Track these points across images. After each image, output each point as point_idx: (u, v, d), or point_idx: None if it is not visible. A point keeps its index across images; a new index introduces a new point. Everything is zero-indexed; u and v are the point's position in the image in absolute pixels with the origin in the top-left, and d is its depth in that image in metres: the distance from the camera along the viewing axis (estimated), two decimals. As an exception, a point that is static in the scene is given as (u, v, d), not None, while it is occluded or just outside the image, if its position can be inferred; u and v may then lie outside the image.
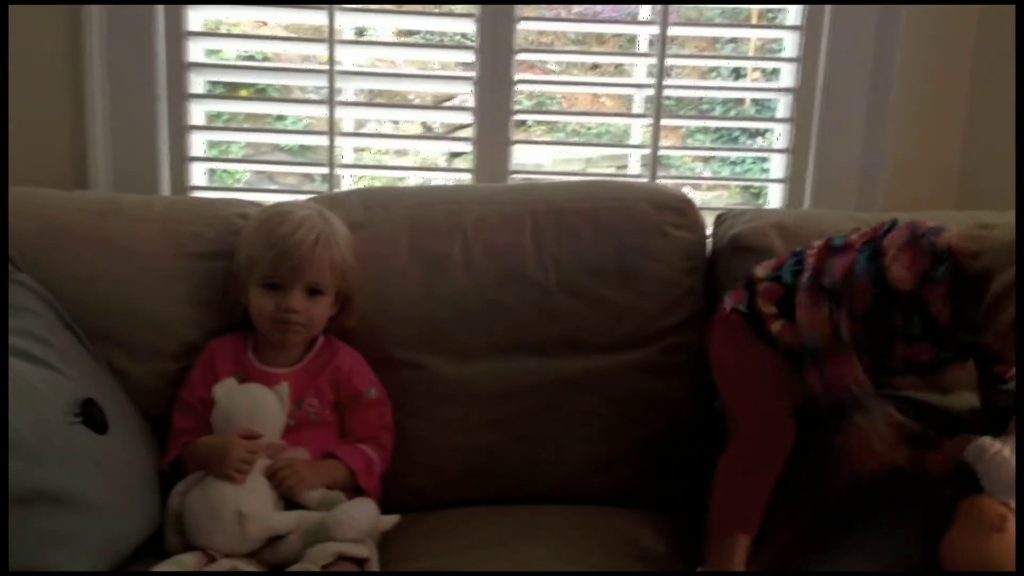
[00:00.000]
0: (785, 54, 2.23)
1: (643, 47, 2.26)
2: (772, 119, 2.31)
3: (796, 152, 2.23)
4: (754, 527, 1.47)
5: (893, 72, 2.14)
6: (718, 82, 2.32)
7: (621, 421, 1.79)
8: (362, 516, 1.50)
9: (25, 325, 1.55)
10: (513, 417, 1.78)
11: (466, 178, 2.20)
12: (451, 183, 2.29)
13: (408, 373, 1.77)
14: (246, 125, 2.30)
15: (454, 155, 2.33)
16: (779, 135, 2.29)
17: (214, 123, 2.23)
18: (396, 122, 2.50)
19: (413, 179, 2.31)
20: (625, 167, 2.34)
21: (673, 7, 2.12)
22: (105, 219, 1.77)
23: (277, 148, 2.28)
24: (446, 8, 2.14)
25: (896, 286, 1.36)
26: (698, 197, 2.24)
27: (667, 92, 2.16)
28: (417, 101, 2.25)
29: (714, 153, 2.34)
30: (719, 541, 1.48)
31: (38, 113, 2.05)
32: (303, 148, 2.29)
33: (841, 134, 2.20)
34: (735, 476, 1.50)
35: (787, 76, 2.23)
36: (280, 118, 2.43)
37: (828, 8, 2.14)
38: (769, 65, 2.30)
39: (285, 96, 2.33)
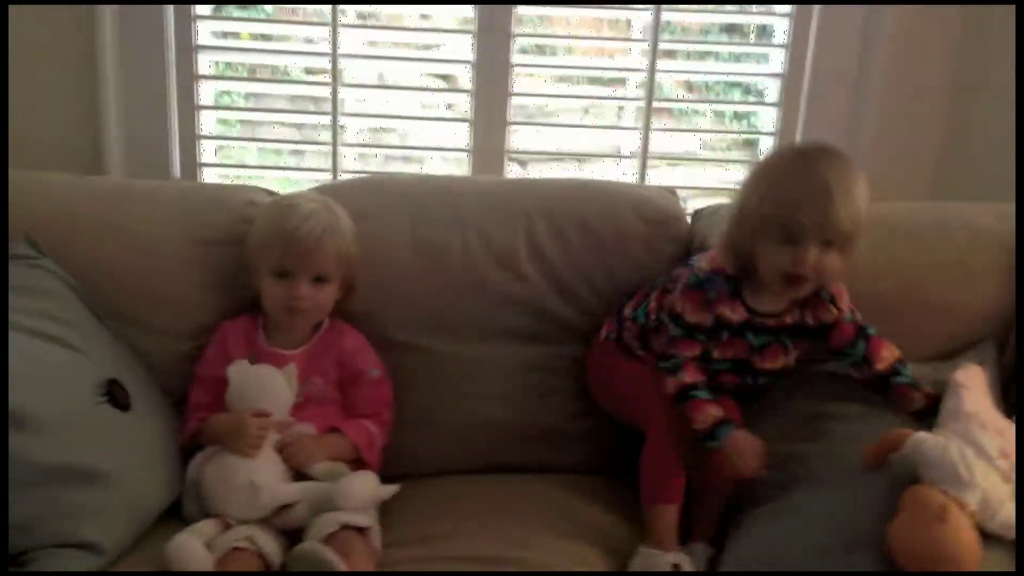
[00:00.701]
0: (775, 40, 2.30)
1: (636, 34, 2.32)
2: (761, 103, 2.39)
3: (784, 136, 2.31)
4: (679, 497, 1.65)
5: (878, 61, 2.21)
6: (709, 65, 2.38)
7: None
8: (364, 488, 1.62)
9: (49, 308, 1.66)
10: (503, 395, 1.89)
11: (463, 157, 2.29)
12: (450, 163, 2.37)
13: (408, 354, 1.88)
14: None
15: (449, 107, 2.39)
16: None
17: (221, 103, 2.31)
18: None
19: (414, 161, 2.38)
20: (621, 113, 2.42)
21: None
22: (120, 205, 1.86)
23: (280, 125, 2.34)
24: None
25: (697, 327, 1.68)
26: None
27: (659, 77, 2.24)
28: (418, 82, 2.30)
29: (705, 134, 2.40)
30: (653, 514, 1.65)
31: (53, 93, 2.13)
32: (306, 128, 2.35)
33: (826, 120, 2.28)
34: (658, 458, 1.68)
35: (776, 62, 2.31)
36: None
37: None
38: (759, 51, 2.36)
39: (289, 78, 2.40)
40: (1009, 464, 1.43)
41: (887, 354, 1.69)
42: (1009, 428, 1.50)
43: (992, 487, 1.38)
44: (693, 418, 1.66)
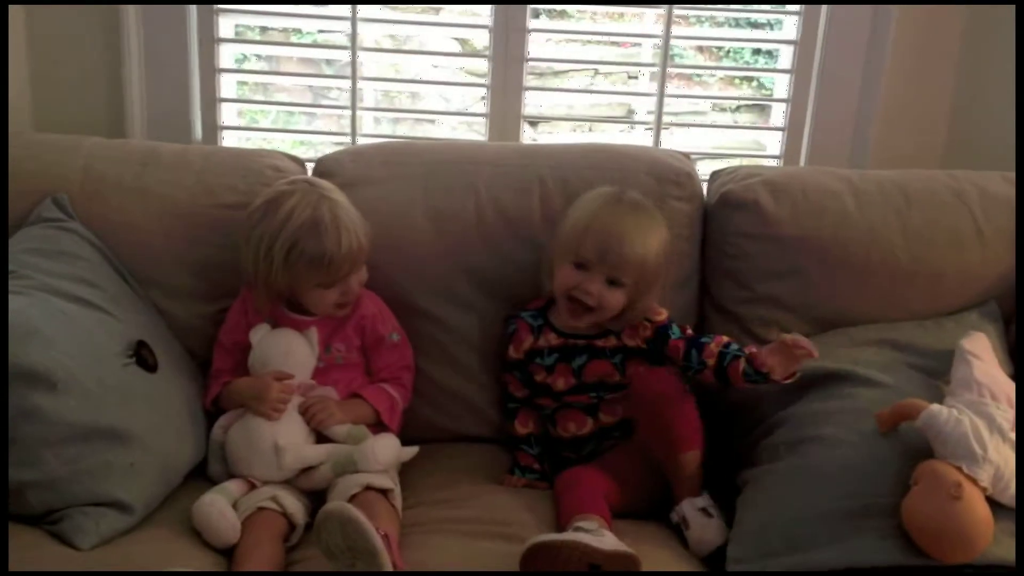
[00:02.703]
0: (789, 7, 2.30)
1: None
2: (774, 69, 2.39)
3: (796, 102, 2.31)
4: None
5: (890, 28, 2.21)
6: (724, 31, 2.38)
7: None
8: (386, 451, 1.66)
9: (78, 271, 1.70)
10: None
11: (481, 122, 2.30)
12: (470, 126, 2.38)
13: (421, 320, 1.90)
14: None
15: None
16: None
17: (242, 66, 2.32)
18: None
19: (433, 123, 2.39)
20: (636, 77, 2.42)
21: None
22: (146, 169, 1.88)
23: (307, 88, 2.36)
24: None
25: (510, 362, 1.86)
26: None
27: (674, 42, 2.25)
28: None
29: (718, 99, 2.41)
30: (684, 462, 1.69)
31: (74, 56, 2.15)
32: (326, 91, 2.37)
33: (838, 86, 2.28)
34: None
35: (789, 28, 2.31)
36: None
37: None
38: (773, 17, 2.36)
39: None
40: None
41: (714, 348, 1.71)
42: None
43: (1005, 461, 1.41)
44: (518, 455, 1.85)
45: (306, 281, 1.71)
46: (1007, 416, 1.47)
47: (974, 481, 1.39)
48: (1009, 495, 1.41)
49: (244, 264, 1.74)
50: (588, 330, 1.78)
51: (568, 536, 1.46)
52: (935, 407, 1.47)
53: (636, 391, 1.73)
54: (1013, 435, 1.45)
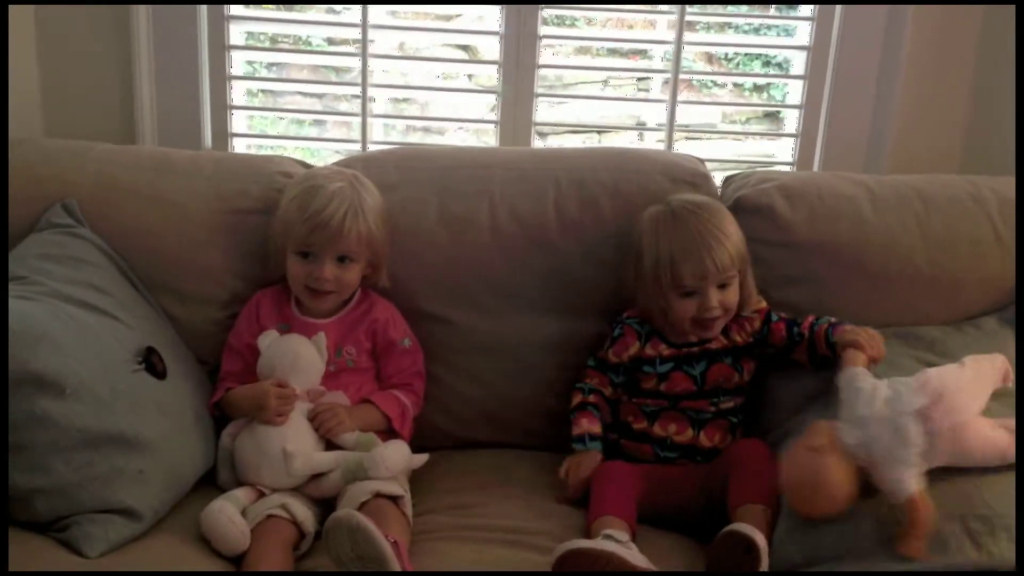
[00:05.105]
0: (801, 12, 2.29)
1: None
2: (787, 75, 2.38)
3: (809, 109, 2.30)
4: None
5: (905, 32, 2.19)
6: (739, 37, 2.37)
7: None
8: (396, 457, 1.64)
9: (87, 277, 1.69)
10: (528, 370, 1.90)
11: (491, 129, 2.29)
12: (477, 134, 2.37)
13: (435, 326, 1.89)
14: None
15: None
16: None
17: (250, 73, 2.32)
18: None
19: (441, 133, 2.39)
20: (647, 90, 2.41)
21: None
22: (158, 175, 1.88)
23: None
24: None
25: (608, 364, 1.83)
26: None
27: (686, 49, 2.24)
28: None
29: (730, 107, 2.40)
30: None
31: (86, 63, 2.15)
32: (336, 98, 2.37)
33: (853, 93, 2.27)
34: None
35: (802, 34, 2.30)
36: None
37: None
38: (785, 23, 2.35)
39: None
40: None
41: (806, 322, 1.76)
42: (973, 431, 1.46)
43: (891, 452, 1.39)
44: (574, 424, 1.80)
45: (290, 238, 1.73)
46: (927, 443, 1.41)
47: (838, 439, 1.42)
48: (886, 485, 1.38)
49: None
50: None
51: (600, 545, 1.46)
52: (860, 369, 1.51)
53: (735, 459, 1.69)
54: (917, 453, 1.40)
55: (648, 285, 1.74)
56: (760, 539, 1.44)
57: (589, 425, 1.78)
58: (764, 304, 1.80)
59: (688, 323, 1.73)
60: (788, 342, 1.76)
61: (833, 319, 1.73)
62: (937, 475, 1.41)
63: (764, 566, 1.44)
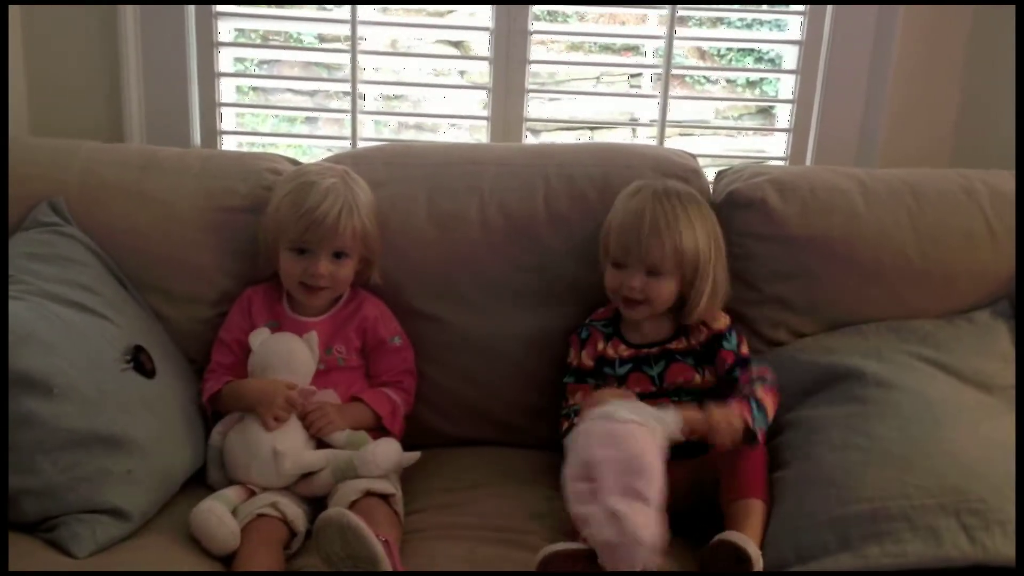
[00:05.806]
0: (793, 8, 2.28)
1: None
2: (779, 70, 2.37)
3: (801, 104, 2.29)
4: None
5: (896, 27, 2.18)
6: (730, 32, 2.36)
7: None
8: (386, 455, 1.63)
9: (75, 276, 1.68)
10: (517, 366, 1.88)
11: (482, 125, 2.28)
12: (468, 131, 2.37)
13: (424, 323, 1.88)
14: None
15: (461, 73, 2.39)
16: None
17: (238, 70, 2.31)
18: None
19: (427, 130, 2.38)
20: (639, 86, 2.40)
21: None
22: (145, 173, 1.86)
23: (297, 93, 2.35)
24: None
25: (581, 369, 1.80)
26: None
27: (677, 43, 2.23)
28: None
29: (723, 103, 2.39)
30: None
31: (73, 60, 2.13)
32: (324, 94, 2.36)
33: (845, 87, 2.26)
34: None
35: (794, 28, 2.29)
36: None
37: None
38: (777, 18, 2.34)
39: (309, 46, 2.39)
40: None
41: (753, 373, 1.70)
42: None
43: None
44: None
45: (283, 235, 1.72)
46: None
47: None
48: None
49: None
50: (658, 336, 1.76)
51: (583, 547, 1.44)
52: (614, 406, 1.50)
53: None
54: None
55: (600, 253, 1.77)
56: (753, 548, 1.43)
57: None
58: (722, 325, 1.75)
59: (615, 298, 1.74)
60: (725, 376, 1.72)
61: (767, 381, 1.67)
62: (929, 469, 1.42)
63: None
